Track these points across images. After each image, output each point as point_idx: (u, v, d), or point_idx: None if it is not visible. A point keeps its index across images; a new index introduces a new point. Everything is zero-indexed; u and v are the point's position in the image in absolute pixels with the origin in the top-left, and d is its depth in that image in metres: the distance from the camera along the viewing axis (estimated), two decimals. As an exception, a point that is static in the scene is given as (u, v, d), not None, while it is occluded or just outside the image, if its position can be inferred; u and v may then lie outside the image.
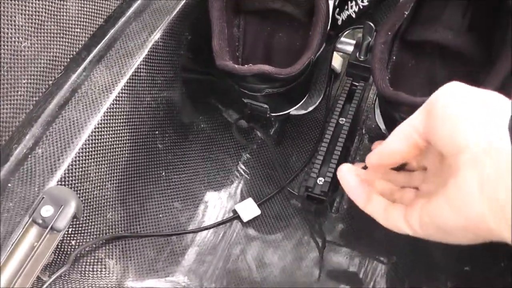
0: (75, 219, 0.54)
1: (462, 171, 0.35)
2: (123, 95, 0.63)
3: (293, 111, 0.75)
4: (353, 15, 0.70)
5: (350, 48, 0.79)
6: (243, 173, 0.77)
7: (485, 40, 0.63)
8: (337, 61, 0.85)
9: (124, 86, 0.63)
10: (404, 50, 0.66)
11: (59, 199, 0.53)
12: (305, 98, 0.76)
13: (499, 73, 0.55)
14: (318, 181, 0.68)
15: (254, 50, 0.74)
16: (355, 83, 0.78)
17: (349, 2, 0.70)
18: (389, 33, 0.61)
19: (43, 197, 0.53)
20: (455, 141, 0.36)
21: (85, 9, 0.65)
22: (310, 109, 0.76)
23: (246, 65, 0.63)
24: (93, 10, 0.66)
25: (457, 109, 0.37)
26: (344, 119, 0.74)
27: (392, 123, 0.63)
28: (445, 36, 0.64)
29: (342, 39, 0.80)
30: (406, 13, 0.60)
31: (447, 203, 0.37)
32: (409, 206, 0.43)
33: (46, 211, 0.52)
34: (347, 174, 0.47)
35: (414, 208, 0.41)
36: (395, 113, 0.58)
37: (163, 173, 0.72)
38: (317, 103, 0.76)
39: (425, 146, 0.41)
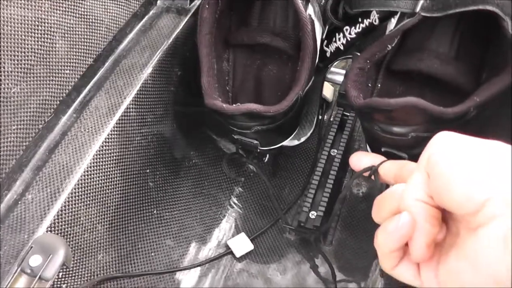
0: (64, 266, 0.55)
1: (483, 229, 0.33)
2: (113, 136, 0.64)
3: (285, 142, 0.75)
4: (341, 47, 0.71)
5: (340, 78, 0.80)
6: (235, 207, 0.77)
7: (473, 68, 0.63)
8: (328, 91, 0.85)
9: (114, 127, 0.64)
10: (390, 79, 0.66)
11: (48, 248, 0.53)
12: (297, 130, 0.76)
13: (489, 88, 0.54)
14: (310, 215, 0.69)
15: (244, 83, 0.75)
16: (346, 113, 0.78)
17: (337, 34, 0.71)
18: (368, 61, 0.60)
19: (31, 247, 0.53)
20: (473, 200, 0.34)
21: (74, 49, 0.65)
22: (303, 139, 0.76)
23: (234, 104, 0.63)
24: (82, 50, 0.67)
25: (464, 165, 0.35)
26: (335, 151, 0.74)
27: (374, 142, 0.62)
28: (430, 65, 0.64)
29: (332, 69, 0.80)
30: (390, 46, 0.60)
31: (469, 263, 0.34)
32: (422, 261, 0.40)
33: (35, 260, 0.52)
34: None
35: (429, 264, 0.39)
36: (373, 126, 0.57)
37: (155, 211, 0.72)
38: (309, 134, 0.76)
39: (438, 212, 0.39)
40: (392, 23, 0.62)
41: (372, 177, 0.53)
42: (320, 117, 0.81)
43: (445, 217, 0.40)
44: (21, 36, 0.58)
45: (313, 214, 0.69)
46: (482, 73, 0.63)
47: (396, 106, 0.52)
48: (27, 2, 0.59)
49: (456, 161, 0.36)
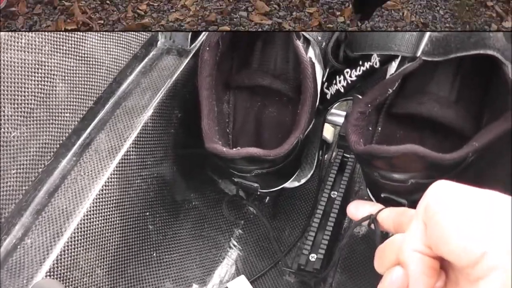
0: (62, 313, 0.54)
1: (483, 281, 0.33)
2: (113, 179, 0.63)
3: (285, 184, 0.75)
4: (342, 90, 0.71)
5: (340, 120, 0.80)
6: (235, 249, 0.77)
7: (474, 111, 0.64)
8: (328, 132, 0.85)
9: (114, 170, 0.63)
10: (390, 122, 0.66)
11: (46, 294, 0.52)
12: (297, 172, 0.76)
13: (488, 133, 0.54)
14: (310, 258, 0.68)
15: (244, 125, 0.75)
16: (347, 155, 0.78)
17: (338, 77, 0.71)
18: (369, 105, 0.60)
19: (29, 293, 0.52)
20: (470, 253, 0.33)
21: (74, 91, 0.65)
22: (303, 181, 0.76)
23: (234, 148, 0.63)
24: (82, 92, 0.67)
25: (461, 217, 0.35)
26: (336, 193, 0.74)
27: (374, 187, 0.62)
28: (431, 109, 0.64)
29: (333, 110, 0.80)
30: (391, 90, 0.60)
31: None
32: None
33: (33, 307, 0.51)
34: None
35: None
36: (373, 172, 0.57)
37: (154, 254, 0.71)
38: (309, 176, 0.76)
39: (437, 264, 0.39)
40: (393, 67, 0.62)
41: (372, 226, 0.53)
42: (320, 158, 0.81)
43: (444, 265, 0.40)
44: (21, 79, 0.58)
45: (313, 257, 0.68)
46: (483, 116, 0.64)
47: (396, 153, 0.52)
48: (27, 46, 0.59)
49: (453, 212, 0.36)
